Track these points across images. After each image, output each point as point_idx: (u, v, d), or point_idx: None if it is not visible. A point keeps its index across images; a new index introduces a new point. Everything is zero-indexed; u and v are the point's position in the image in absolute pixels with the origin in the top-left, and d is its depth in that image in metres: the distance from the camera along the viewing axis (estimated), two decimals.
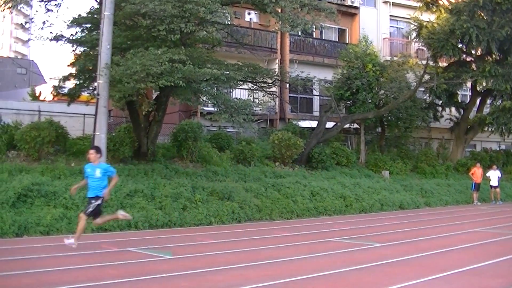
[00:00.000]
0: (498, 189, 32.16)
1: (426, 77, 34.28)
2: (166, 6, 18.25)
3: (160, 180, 21.59)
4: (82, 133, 26.60)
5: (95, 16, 22.65)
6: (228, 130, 31.26)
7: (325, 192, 25.45)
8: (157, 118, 23.29)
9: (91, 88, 23.92)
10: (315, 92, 38.77)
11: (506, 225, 21.08)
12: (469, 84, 38.81)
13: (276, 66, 33.45)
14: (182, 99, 23.29)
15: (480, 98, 38.82)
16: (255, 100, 25.50)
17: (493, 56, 34.72)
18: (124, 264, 11.96)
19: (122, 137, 23.15)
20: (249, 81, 25.13)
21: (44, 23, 23.44)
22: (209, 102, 23.92)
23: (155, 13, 18.53)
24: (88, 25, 23.42)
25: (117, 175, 14.78)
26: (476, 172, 31.80)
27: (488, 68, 33.42)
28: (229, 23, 25.89)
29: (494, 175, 31.98)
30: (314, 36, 39.19)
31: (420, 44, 37.71)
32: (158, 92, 23.35)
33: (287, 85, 33.05)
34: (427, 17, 37.47)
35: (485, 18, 33.39)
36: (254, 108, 24.77)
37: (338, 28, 40.54)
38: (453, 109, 39.45)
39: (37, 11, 24.04)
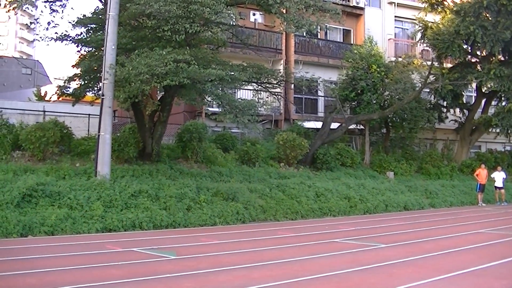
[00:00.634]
0: (503, 190, 32.11)
1: (431, 78, 34.23)
2: (171, 6, 18.28)
3: (165, 181, 21.61)
4: (87, 133, 26.62)
5: (100, 16, 22.70)
6: (233, 130, 31.25)
7: (329, 193, 25.44)
8: (162, 118, 23.29)
9: (96, 89, 23.93)
10: (320, 93, 38.72)
11: (511, 226, 21.04)
12: (474, 85, 38.70)
13: (281, 67, 33.39)
14: (187, 99, 23.31)
15: (485, 99, 38.68)
16: (259, 100, 25.48)
17: (498, 57, 34.62)
18: (128, 265, 11.97)
19: (127, 138, 23.17)
20: (254, 82, 25.12)
21: (49, 23, 23.52)
22: (214, 102, 23.97)
23: (160, 14, 18.55)
24: (93, 26, 23.45)
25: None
26: (481, 173, 31.75)
27: (493, 69, 33.33)
28: (234, 23, 25.92)
29: (499, 176, 31.94)
30: (319, 37, 39.13)
31: (425, 45, 37.58)
32: (163, 93, 23.36)
33: (292, 85, 33.07)
34: (432, 18, 37.37)
35: (490, 19, 33.29)
36: (259, 109, 24.74)
37: (343, 29, 40.50)
38: (457, 110, 39.37)
39: (42, 12, 23.99)
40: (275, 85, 26.01)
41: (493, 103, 38.99)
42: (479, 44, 33.48)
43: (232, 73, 21.49)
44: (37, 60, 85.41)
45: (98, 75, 21.86)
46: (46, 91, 55.27)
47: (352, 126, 34.66)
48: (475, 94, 40.25)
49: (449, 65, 37.56)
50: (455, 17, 34.20)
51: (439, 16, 37.50)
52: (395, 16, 43.06)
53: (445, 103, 37.94)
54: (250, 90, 28.24)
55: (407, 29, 44.02)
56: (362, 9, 40.76)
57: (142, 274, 10.82)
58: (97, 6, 24.37)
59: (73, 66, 23.56)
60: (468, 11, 33.08)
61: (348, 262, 12.74)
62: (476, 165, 35.60)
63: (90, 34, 23.47)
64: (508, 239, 17.32)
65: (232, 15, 22.10)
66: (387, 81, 33.40)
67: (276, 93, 26.78)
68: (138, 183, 20.38)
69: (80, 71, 23.10)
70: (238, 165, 27.07)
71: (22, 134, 21.99)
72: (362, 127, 35.51)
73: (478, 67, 35.87)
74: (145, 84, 18.07)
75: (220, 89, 22.60)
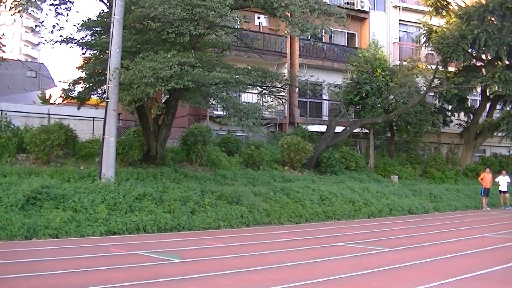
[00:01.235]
0: (507, 195, 32.06)
1: (436, 81, 34.20)
2: (175, 9, 18.30)
3: (169, 184, 21.61)
4: (92, 136, 26.65)
5: (105, 19, 22.73)
6: (237, 134, 31.25)
7: (334, 197, 25.41)
8: (166, 121, 23.30)
9: (100, 92, 23.98)
10: (324, 97, 38.73)
11: None
12: (479, 89, 38.67)
13: (285, 71, 33.42)
14: (191, 102, 23.34)
15: (490, 103, 38.66)
16: (264, 104, 25.48)
17: (504, 61, 34.58)
18: (132, 267, 11.98)
19: (132, 141, 23.18)
20: (258, 85, 25.12)
21: (54, 26, 23.52)
22: (219, 105, 23.98)
23: (165, 16, 18.57)
24: (98, 29, 23.50)
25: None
26: (486, 177, 31.72)
27: (498, 73, 33.30)
28: (238, 27, 25.97)
29: (503, 181, 31.89)
30: (323, 41, 39.13)
31: (430, 48, 37.58)
32: (168, 96, 23.38)
33: (297, 89, 33.12)
34: (437, 21, 37.36)
35: (495, 23, 33.28)
36: (263, 112, 24.75)
37: (347, 33, 40.56)
38: (462, 114, 39.33)
39: (47, 15, 24.00)
40: (279, 88, 26.04)
41: (498, 107, 38.98)
42: (484, 48, 33.48)
43: (237, 76, 21.51)
44: (42, 63, 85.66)
45: (103, 78, 21.90)
46: (50, 94, 55.45)
47: (357, 130, 34.66)
48: (480, 98, 40.19)
49: (454, 69, 37.53)
50: (460, 21, 34.17)
51: (444, 20, 37.51)
52: (400, 20, 43.03)
53: (450, 107, 37.96)
54: (255, 93, 28.25)
55: (412, 32, 44.02)
56: (367, 12, 40.77)
57: (146, 277, 10.82)
58: (102, 9, 24.42)
59: (78, 68, 23.58)
60: (473, 15, 33.07)
61: (352, 266, 12.72)
62: (480, 169, 35.59)
63: (95, 37, 23.53)
64: None
65: (236, 18, 22.15)
66: (392, 85, 33.39)
67: (281, 97, 26.80)
68: (142, 186, 20.37)
69: (85, 74, 23.12)
70: (243, 168, 27.07)
71: (27, 137, 22.03)
72: (366, 131, 35.48)
73: (483, 71, 35.82)
74: (149, 87, 18.08)
75: (225, 92, 22.60)
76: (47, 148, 21.69)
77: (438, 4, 37.09)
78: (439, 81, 34.72)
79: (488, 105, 38.87)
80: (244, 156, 27.86)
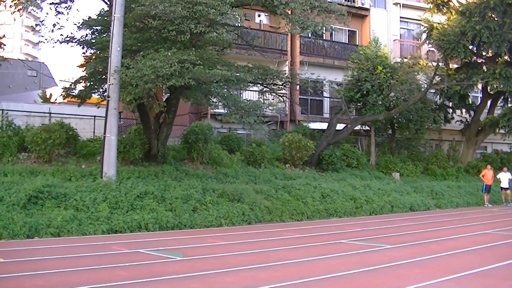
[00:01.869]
0: (508, 191, 32.04)
1: (437, 78, 34.17)
2: (176, 7, 18.29)
3: (171, 182, 21.62)
4: (93, 135, 26.68)
5: (106, 18, 22.71)
6: (238, 132, 31.25)
7: (335, 194, 25.42)
8: (167, 120, 23.30)
9: (101, 90, 23.98)
10: (325, 94, 38.74)
11: None
12: (480, 86, 38.64)
13: (286, 68, 33.44)
14: (192, 100, 23.33)
15: (491, 99, 38.63)
16: (265, 101, 25.47)
17: (504, 57, 34.56)
18: (134, 266, 11.98)
19: (133, 139, 23.19)
20: (259, 83, 25.11)
21: (54, 25, 23.53)
22: (220, 103, 23.96)
23: (165, 15, 18.56)
24: (99, 27, 23.48)
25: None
26: (487, 174, 31.70)
27: (499, 70, 33.30)
28: (239, 25, 25.88)
29: (504, 177, 31.86)
30: (324, 38, 39.13)
31: (431, 45, 37.52)
32: (169, 94, 23.37)
33: (298, 87, 33.09)
34: (438, 18, 37.31)
35: (496, 19, 33.25)
36: (264, 110, 24.74)
37: (348, 30, 40.54)
38: (463, 110, 39.28)
39: (47, 14, 23.96)
40: (280, 86, 26.01)
41: (499, 103, 38.94)
42: (485, 45, 33.47)
43: (238, 74, 21.49)
44: (43, 62, 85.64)
45: (104, 76, 21.91)
46: (51, 93, 55.47)
47: (358, 127, 34.67)
48: (481, 95, 40.16)
49: (455, 66, 37.49)
50: (461, 18, 34.16)
51: (444, 16, 37.44)
52: (400, 17, 43.03)
53: (451, 104, 37.93)
54: (256, 91, 28.24)
55: (413, 30, 44.05)
56: (367, 10, 40.79)
57: (149, 275, 10.82)
58: (102, 8, 24.40)
59: (79, 67, 23.58)
60: (474, 12, 33.04)
61: (355, 263, 12.72)
62: (482, 166, 35.56)
63: (95, 36, 23.51)
64: None
65: (237, 16, 22.05)
66: (393, 82, 33.36)
67: (282, 94, 26.78)
68: (144, 185, 20.39)
69: (86, 73, 23.11)
70: (244, 166, 27.07)
71: (28, 136, 22.03)
72: (367, 128, 35.50)
73: (484, 68, 35.80)
74: (150, 84, 18.07)
75: (226, 89, 22.59)
76: (49, 147, 21.70)
77: (439, 1, 37.02)
78: (440, 78, 34.69)
79: (489, 102, 38.85)
80: (245, 154, 27.87)
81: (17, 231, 15.76)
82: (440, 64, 34.17)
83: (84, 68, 22.96)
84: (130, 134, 23.83)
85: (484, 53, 36.32)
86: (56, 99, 51.31)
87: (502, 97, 37.69)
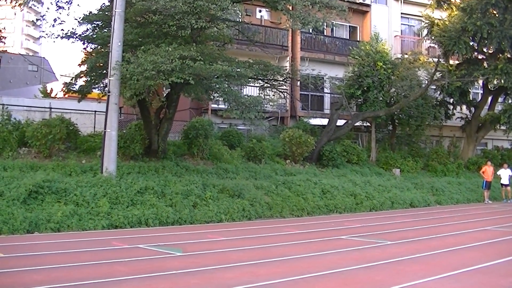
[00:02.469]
0: (509, 188, 32.06)
1: (438, 75, 34.15)
2: (176, 2, 18.28)
3: (171, 177, 21.61)
4: (93, 130, 26.65)
5: (106, 13, 22.70)
6: (239, 127, 31.25)
7: (335, 190, 25.41)
8: (168, 115, 23.30)
9: (102, 85, 23.98)
10: (326, 90, 38.70)
11: None
12: (480, 82, 38.64)
13: (287, 64, 33.38)
14: (193, 96, 23.31)
15: (491, 96, 38.63)
16: (266, 97, 25.46)
17: (505, 54, 34.53)
18: (134, 261, 11.98)
19: (133, 134, 23.19)
20: (260, 79, 25.08)
21: (55, 20, 23.45)
22: (220, 99, 23.93)
23: (166, 10, 18.56)
24: (99, 23, 23.46)
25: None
26: (487, 170, 31.71)
27: (500, 66, 33.28)
28: (240, 20, 25.88)
29: (505, 174, 31.90)
30: (325, 34, 39.06)
31: (432, 41, 37.46)
32: (169, 90, 23.37)
33: (298, 82, 33.05)
34: (439, 14, 37.25)
35: (497, 16, 33.20)
36: (265, 106, 24.72)
37: (349, 26, 40.50)
38: (464, 107, 39.28)
39: (48, 9, 23.94)
40: (281, 82, 26.00)
41: (500, 100, 38.92)
42: (486, 41, 33.42)
43: (238, 69, 21.47)
44: (43, 57, 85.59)
45: (104, 72, 21.90)
46: (52, 88, 55.47)
47: (358, 123, 34.67)
48: (482, 91, 40.15)
49: (456, 62, 37.44)
50: (462, 14, 34.07)
51: (445, 12, 37.35)
52: (401, 13, 42.94)
53: (451, 100, 37.92)
54: (257, 87, 28.21)
55: (414, 26, 43.96)
56: (368, 6, 40.75)
57: (148, 270, 10.82)
58: (103, 3, 24.37)
59: (79, 65, 23.57)
60: (475, 8, 32.96)
61: (355, 259, 12.71)
62: (482, 162, 35.59)
63: (96, 31, 23.49)
64: None
65: (238, 11, 22.07)
66: (393, 78, 33.35)
67: (282, 90, 26.76)
68: (144, 180, 20.38)
69: (86, 68, 23.10)
70: (244, 162, 27.08)
71: (28, 131, 22.00)
72: (368, 124, 35.49)
73: (485, 64, 35.75)
74: (150, 80, 18.06)
75: (226, 85, 22.58)
76: (49, 142, 21.68)
77: None
78: (440, 74, 34.71)
79: (490, 98, 38.84)
80: (245, 150, 27.87)
81: (17, 226, 15.76)
82: (441, 60, 34.09)
83: (85, 63, 22.94)
84: (130, 129, 23.84)
85: (485, 49, 36.29)
86: (56, 94, 51.33)
87: (502, 94, 37.67)
